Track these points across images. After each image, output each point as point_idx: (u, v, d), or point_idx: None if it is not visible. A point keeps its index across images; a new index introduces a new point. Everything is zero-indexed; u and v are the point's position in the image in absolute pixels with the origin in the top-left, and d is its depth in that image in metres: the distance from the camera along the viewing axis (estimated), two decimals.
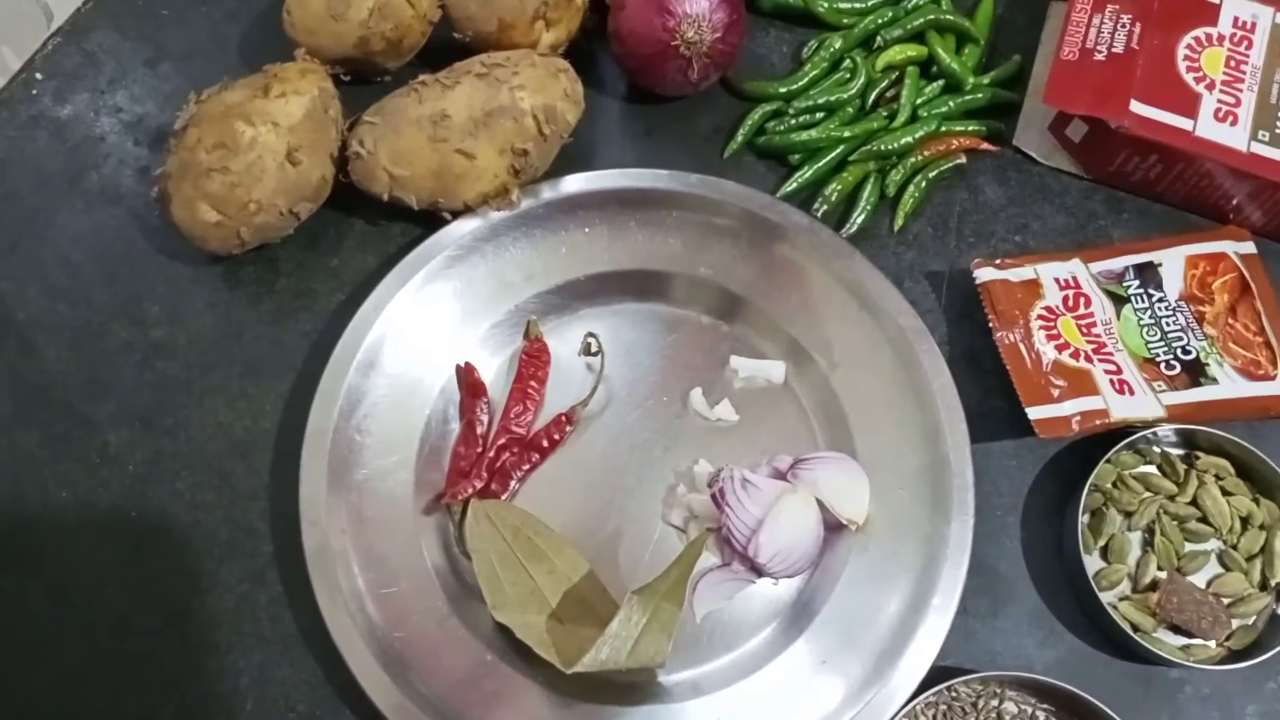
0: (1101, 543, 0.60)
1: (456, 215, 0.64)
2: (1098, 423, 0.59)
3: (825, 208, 0.67)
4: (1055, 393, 0.60)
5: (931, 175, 0.69)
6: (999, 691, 0.57)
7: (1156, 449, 0.62)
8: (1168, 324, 0.63)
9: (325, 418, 0.58)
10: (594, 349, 0.63)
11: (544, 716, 0.55)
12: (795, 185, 0.68)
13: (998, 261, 0.64)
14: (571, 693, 0.55)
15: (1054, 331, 0.62)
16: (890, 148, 0.69)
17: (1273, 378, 0.62)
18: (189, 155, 0.61)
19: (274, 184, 0.61)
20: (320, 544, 0.56)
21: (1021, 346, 0.61)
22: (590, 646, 0.53)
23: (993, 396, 0.63)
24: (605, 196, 0.64)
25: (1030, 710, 0.57)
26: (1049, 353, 0.61)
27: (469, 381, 0.62)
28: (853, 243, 0.64)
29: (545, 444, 0.61)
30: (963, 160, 0.70)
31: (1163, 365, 0.62)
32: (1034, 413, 0.59)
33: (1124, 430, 0.60)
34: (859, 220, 0.67)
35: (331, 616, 0.55)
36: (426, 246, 0.63)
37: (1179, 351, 0.62)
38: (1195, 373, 0.62)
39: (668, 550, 0.59)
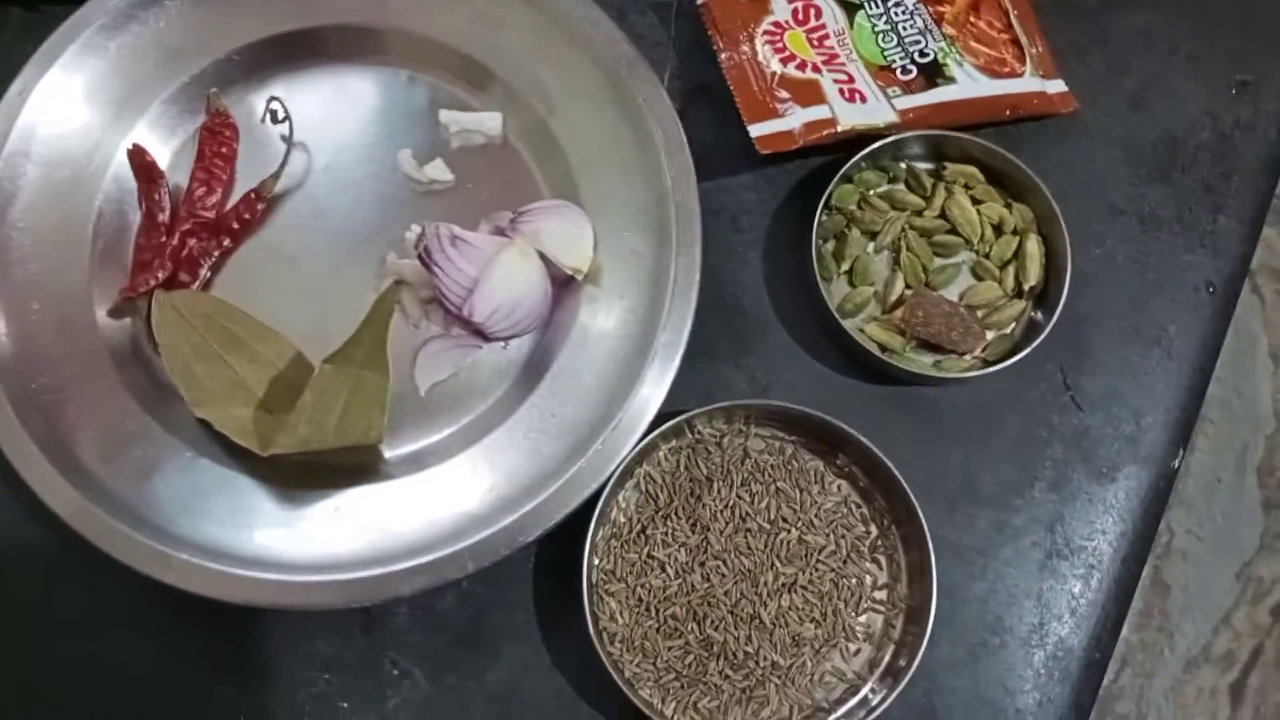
0: (846, 266, 0.56)
1: None
2: (824, 132, 0.55)
3: None
4: (780, 108, 0.55)
5: None
6: (744, 429, 0.54)
7: (902, 165, 0.58)
8: (904, 28, 0.58)
9: None
10: (279, 115, 0.57)
11: (248, 507, 0.51)
12: None
13: None
14: (289, 483, 0.51)
15: (781, 46, 0.57)
16: None
17: (1020, 75, 0.59)
18: None
19: None
20: None
21: (747, 65, 0.56)
22: None
23: (729, 130, 0.58)
24: None
25: (779, 444, 0.54)
26: (775, 68, 0.56)
27: (141, 165, 0.55)
28: None
29: (236, 226, 0.55)
30: None
31: (898, 70, 0.57)
32: (755, 129, 0.55)
33: (863, 146, 0.56)
34: None
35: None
36: (74, 20, 0.55)
37: (915, 55, 0.58)
38: (932, 74, 0.57)
39: None
